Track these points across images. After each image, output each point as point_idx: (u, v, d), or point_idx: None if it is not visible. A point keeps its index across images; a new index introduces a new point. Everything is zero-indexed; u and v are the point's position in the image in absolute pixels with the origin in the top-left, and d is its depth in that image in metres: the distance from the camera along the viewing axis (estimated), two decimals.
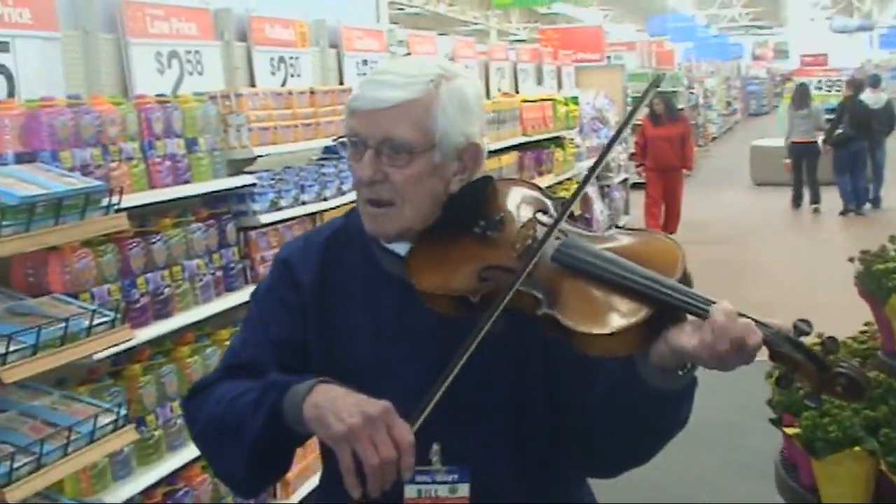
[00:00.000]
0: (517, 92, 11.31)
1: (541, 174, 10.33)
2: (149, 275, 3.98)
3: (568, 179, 11.53)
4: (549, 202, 2.01)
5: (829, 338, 1.74)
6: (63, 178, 3.35)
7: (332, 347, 2.01)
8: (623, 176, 14.64)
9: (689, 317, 1.75)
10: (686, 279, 1.82)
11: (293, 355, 1.87)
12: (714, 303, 1.73)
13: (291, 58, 6.34)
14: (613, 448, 1.99)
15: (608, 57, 19.06)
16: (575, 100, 12.23)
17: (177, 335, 4.27)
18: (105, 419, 3.36)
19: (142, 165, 4.01)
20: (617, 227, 1.93)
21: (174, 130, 4.23)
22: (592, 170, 1.98)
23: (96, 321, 3.33)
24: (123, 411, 3.47)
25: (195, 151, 4.34)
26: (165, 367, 4.10)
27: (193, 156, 4.33)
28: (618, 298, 1.78)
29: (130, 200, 3.80)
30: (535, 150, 10.25)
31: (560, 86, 13.65)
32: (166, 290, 4.08)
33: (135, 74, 4.87)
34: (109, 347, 3.45)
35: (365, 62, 7.60)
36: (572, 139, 11.87)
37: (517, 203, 2.00)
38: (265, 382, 1.91)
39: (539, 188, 2.07)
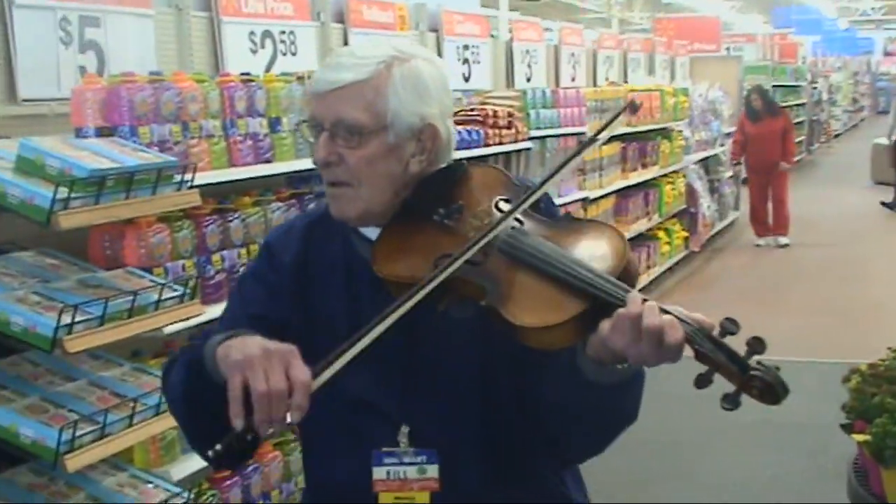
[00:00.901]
0: (626, 81, 11.19)
1: (644, 166, 10.22)
2: (224, 252, 4.03)
3: (674, 172, 11.39)
4: (516, 191, 1.97)
5: (755, 338, 1.74)
6: (138, 152, 3.42)
7: (310, 329, 2.01)
8: (733, 171, 14.39)
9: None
10: (628, 272, 1.81)
11: (269, 332, 1.87)
12: (628, 294, 1.73)
13: (388, 39, 6.36)
14: (565, 436, 1.99)
15: (727, 48, 18.73)
16: (685, 91, 12.04)
17: None
18: None
19: (222, 143, 4.07)
20: (570, 216, 1.94)
21: (257, 109, 4.27)
22: (558, 169, 1.99)
23: (165, 295, 3.39)
24: None
25: (278, 131, 4.38)
26: None
27: (276, 135, 4.37)
28: (556, 292, 1.78)
29: (209, 178, 3.86)
30: (641, 142, 10.14)
31: (673, 77, 13.47)
32: (242, 269, 4.13)
33: (227, 53, 4.95)
34: (178, 322, 3.50)
35: (466, 47, 7.59)
36: (680, 131, 11.70)
37: (482, 191, 1.98)
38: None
39: (508, 176, 2.03)
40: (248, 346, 1.76)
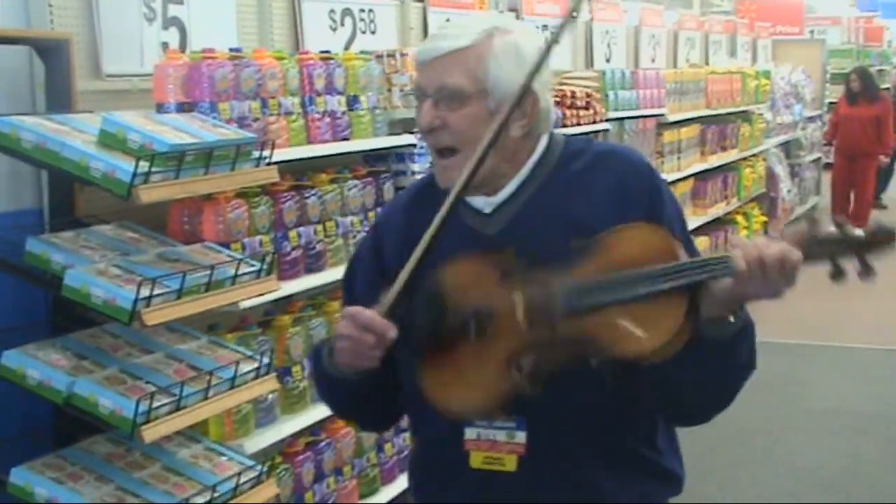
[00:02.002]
0: (707, 63, 11.04)
1: (724, 149, 10.08)
2: (301, 228, 4.05)
3: (754, 156, 11.22)
4: (507, 262, 2.00)
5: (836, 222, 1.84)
6: (217, 128, 3.43)
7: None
8: (816, 155, 14.12)
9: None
10: (689, 247, 1.92)
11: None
12: (728, 257, 1.81)
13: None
14: (690, 403, 2.06)
15: (810, 31, 18.39)
16: (767, 74, 11.85)
17: (329, 289, 4.34)
18: (247, 366, 3.43)
19: (301, 121, 4.07)
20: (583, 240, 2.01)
21: (336, 87, 4.27)
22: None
23: (242, 270, 3.40)
24: (266, 360, 3.54)
25: (356, 109, 4.38)
26: (315, 320, 4.18)
27: (354, 113, 4.37)
28: (651, 307, 1.82)
29: (287, 154, 3.87)
30: (720, 124, 9.99)
31: (755, 59, 13.25)
32: (318, 245, 4.14)
33: (307, 31, 4.96)
34: (254, 297, 3.52)
35: (545, 27, 7.52)
36: (761, 114, 11.51)
37: (477, 284, 2.00)
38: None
39: (476, 257, 2.05)
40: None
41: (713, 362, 1.92)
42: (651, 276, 1.82)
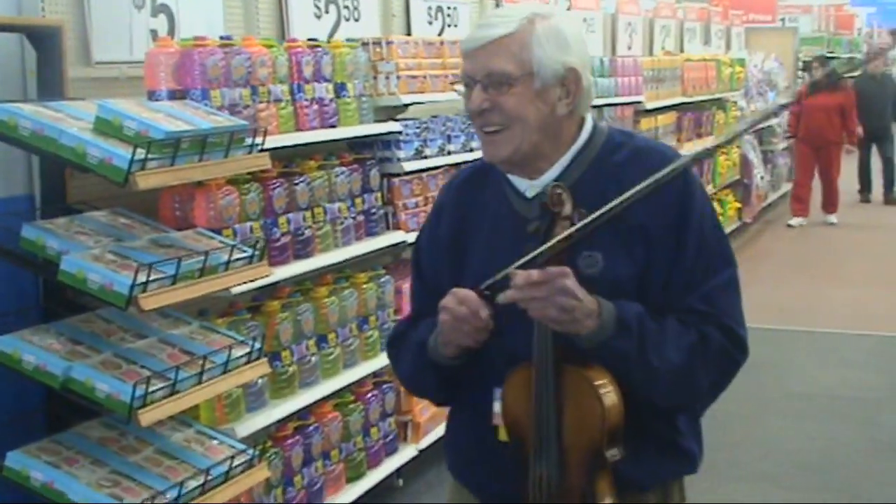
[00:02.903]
0: (682, 51, 11.11)
1: (700, 136, 10.16)
2: (290, 215, 4.09)
3: (728, 143, 11.30)
4: None
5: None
6: (210, 116, 3.46)
7: (461, 264, 2.26)
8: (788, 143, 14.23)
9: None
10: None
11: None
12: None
13: (450, 8, 6.36)
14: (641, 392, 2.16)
15: (782, 19, 18.50)
16: (741, 62, 11.94)
17: (316, 276, 4.38)
18: (239, 351, 3.47)
19: (290, 108, 4.11)
20: None
21: (323, 75, 4.31)
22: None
23: (235, 256, 3.43)
24: (258, 345, 3.57)
25: (343, 96, 4.42)
26: (303, 306, 4.22)
27: (341, 101, 4.40)
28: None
29: (276, 141, 3.90)
30: (696, 112, 10.08)
31: (728, 47, 13.34)
32: (307, 231, 4.18)
33: (292, 18, 4.98)
34: (246, 283, 3.56)
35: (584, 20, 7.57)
36: (735, 102, 11.60)
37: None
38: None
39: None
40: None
41: (612, 364, 2.08)
42: None
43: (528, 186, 2.20)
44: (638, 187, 2.02)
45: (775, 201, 13.67)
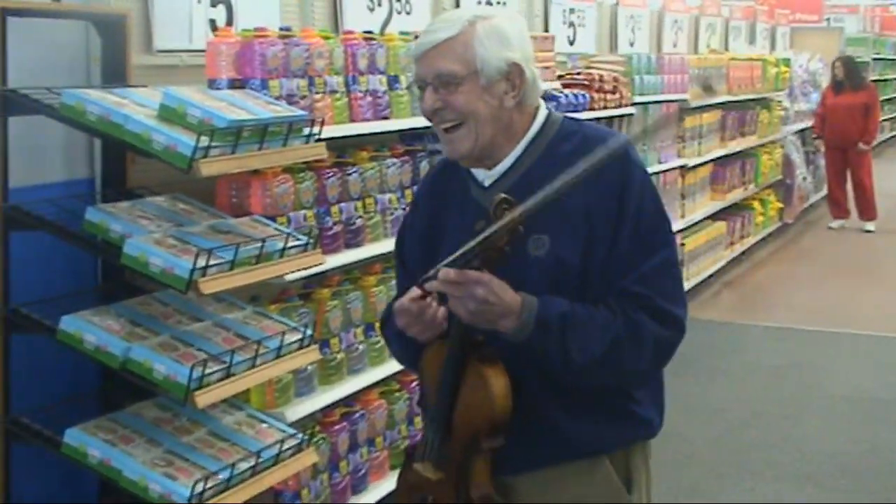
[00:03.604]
0: (727, 49, 11.09)
1: (743, 135, 10.16)
2: (343, 204, 4.14)
3: (772, 142, 11.29)
4: None
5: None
6: (269, 105, 3.52)
7: (434, 248, 2.38)
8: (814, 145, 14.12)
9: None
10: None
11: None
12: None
13: (499, 3, 6.40)
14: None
15: (827, 19, 18.39)
16: (787, 62, 11.89)
17: (365, 264, 4.43)
18: (292, 337, 3.53)
19: (344, 99, 4.16)
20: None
21: (378, 67, 4.35)
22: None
23: (290, 244, 3.49)
24: (309, 332, 3.63)
25: (396, 89, 4.46)
26: (352, 294, 4.27)
27: (394, 93, 4.45)
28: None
29: (331, 132, 3.95)
30: (740, 111, 10.06)
31: (773, 46, 13.30)
32: (358, 221, 4.23)
33: (346, 10, 5.04)
34: (301, 270, 3.62)
35: (572, 10, 7.61)
36: (780, 101, 11.57)
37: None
38: None
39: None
40: None
41: (533, 356, 2.20)
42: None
43: (486, 176, 2.32)
44: (562, 179, 2.11)
45: (817, 202, 13.59)
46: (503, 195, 2.12)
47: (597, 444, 2.33)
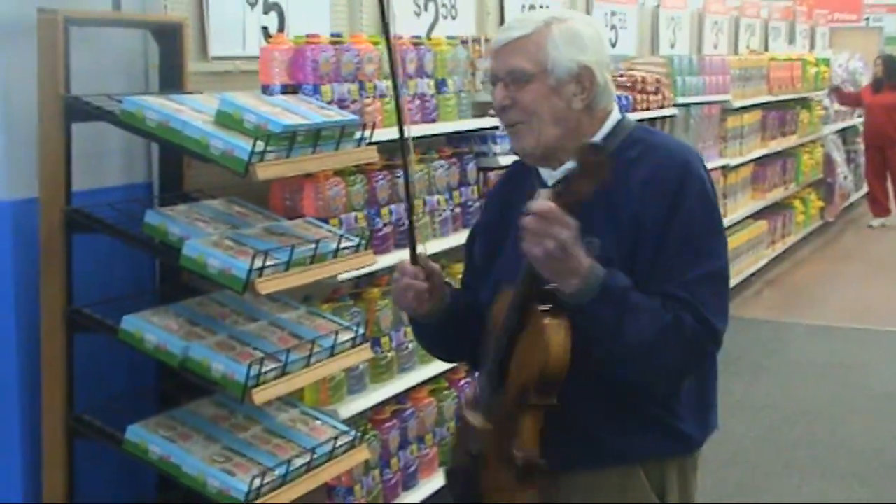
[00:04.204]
0: (766, 50, 11.03)
1: (784, 135, 10.10)
2: (392, 206, 4.18)
3: (812, 142, 11.21)
4: None
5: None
6: (322, 110, 3.56)
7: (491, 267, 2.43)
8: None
9: None
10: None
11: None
12: None
13: (542, 6, 6.42)
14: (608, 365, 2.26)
15: (866, 18, 18.22)
16: (826, 61, 11.81)
17: None
18: (345, 336, 3.56)
19: (393, 103, 4.18)
20: None
21: (425, 71, 4.39)
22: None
23: (343, 245, 3.53)
24: (361, 330, 3.67)
25: (443, 92, 4.49)
26: None
27: (441, 96, 4.48)
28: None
29: (381, 135, 3.97)
30: (780, 111, 10.01)
31: (812, 46, 13.21)
32: (408, 222, 4.25)
33: (394, 16, 5.06)
34: (353, 270, 3.66)
35: (614, 13, 7.60)
36: (820, 101, 11.49)
37: None
38: None
39: None
40: None
41: (588, 325, 2.12)
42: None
43: (550, 176, 2.32)
44: None
45: (857, 200, 13.46)
46: (593, 141, 2.13)
47: (628, 453, 2.31)
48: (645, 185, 2.20)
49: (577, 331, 2.13)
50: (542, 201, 2.03)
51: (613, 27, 7.65)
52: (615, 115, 2.33)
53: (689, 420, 2.33)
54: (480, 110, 4.90)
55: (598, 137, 2.29)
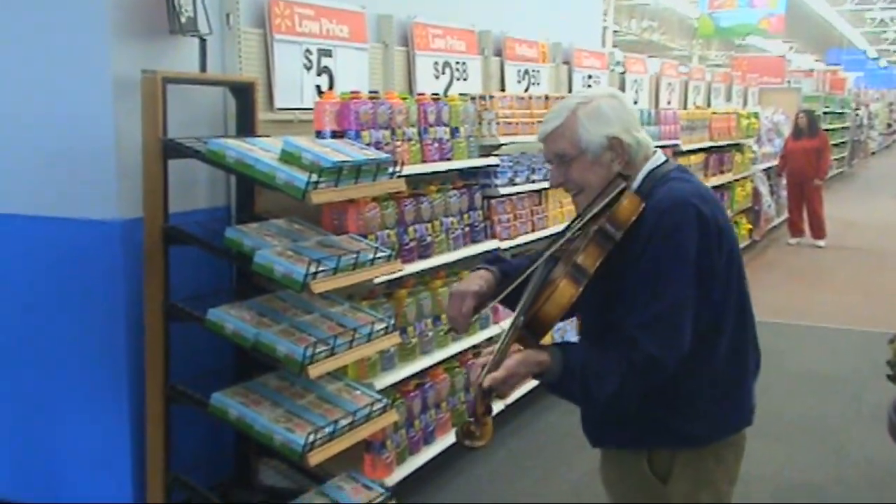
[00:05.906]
0: (709, 105, 11.01)
1: (722, 172, 10.06)
2: (416, 225, 4.18)
3: (744, 178, 11.17)
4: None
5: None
6: (362, 150, 3.57)
7: None
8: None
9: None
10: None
11: None
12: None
13: (534, 71, 6.43)
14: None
15: (788, 81, 18.17)
16: (756, 115, 11.78)
17: (434, 271, 4.47)
18: (379, 326, 3.56)
19: (417, 145, 4.21)
20: None
21: (443, 120, 4.40)
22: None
23: (378, 255, 3.54)
24: (392, 321, 3.67)
25: (456, 137, 4.50)
26: (423, 294, 4.31)
27: (455, 140, 4.49)
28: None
29: (408, 170, 3.99)
30: (719, 153, 9.98)
31: (745, 103, 13.17)
32: (428, 238, 4.27)
33: (418, 77, 5.09)
34: (385, 275, 3.66)
35: (590, 76, 7.60)
36: (750, 146, 11.46)
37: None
38: None
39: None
40: None
41: (563, 393, 2.08)
42: None
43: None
44: None
45: (779, 224, 13.42)
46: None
47: (626, 443, 2.26)
48: (638, 228, 2.06)
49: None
50: (498, 373, 1.97)
51: (589, 87, 7.64)
52: (652, 162, 2.20)
53: (694, 419, 2.20)
54: (485, 151, 4.91)
55: (635, 184, 2.16)
